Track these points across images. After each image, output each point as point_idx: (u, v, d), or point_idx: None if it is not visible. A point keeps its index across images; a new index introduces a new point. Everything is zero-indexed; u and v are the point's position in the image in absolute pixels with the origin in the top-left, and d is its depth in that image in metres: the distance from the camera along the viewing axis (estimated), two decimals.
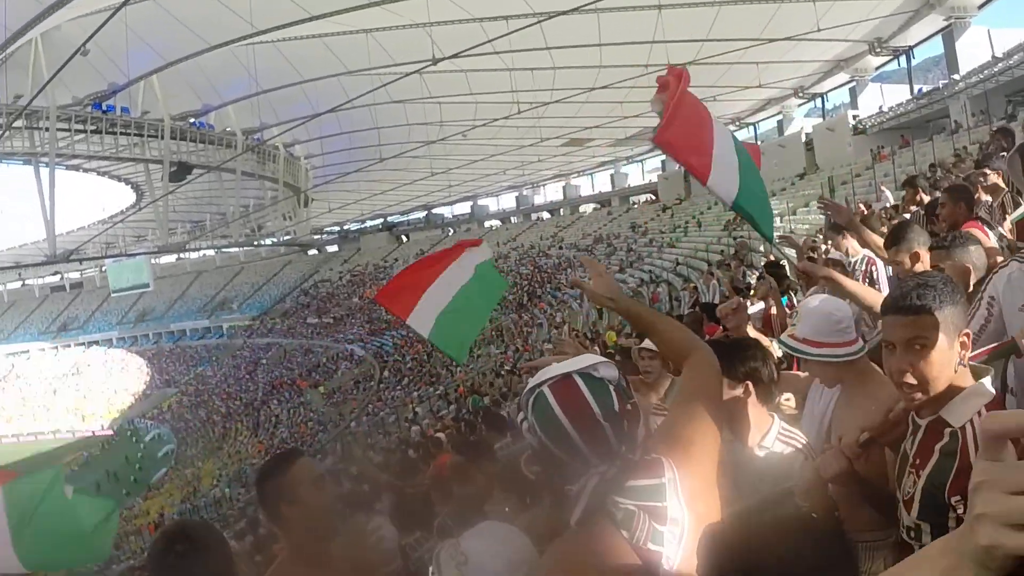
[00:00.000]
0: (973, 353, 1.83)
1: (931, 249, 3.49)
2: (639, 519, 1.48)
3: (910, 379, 1.73)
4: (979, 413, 1.69)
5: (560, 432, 1.50)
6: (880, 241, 4.68)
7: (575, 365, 1.58)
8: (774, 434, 2.52)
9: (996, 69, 24.07)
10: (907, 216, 6.60)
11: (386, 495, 8.01)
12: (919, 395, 1.75)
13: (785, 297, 5.79)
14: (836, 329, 2.53)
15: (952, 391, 1.74)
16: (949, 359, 1.72)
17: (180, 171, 30.88)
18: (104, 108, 29.12)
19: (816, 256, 6.83)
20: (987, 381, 1.77)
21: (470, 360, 33.04)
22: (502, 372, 26.49)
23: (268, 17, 22.66)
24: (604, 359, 1.63)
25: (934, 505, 1.72)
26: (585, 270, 2.16)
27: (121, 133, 30.08)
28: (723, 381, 2.12)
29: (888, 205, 12.84)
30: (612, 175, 54.41)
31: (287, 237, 47.06)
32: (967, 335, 1.74)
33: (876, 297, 3.11)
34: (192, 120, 32.99)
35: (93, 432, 52.86)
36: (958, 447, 1.69)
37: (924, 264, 3.42)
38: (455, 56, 23.22)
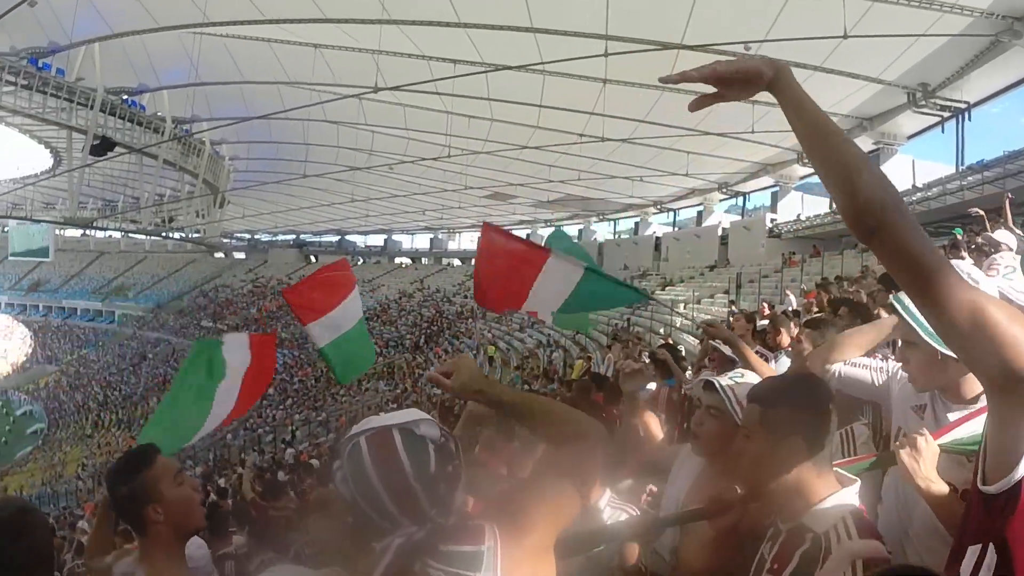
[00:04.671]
0: (844, 460, 1.85)
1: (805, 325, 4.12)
2: None
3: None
4: (844, 521, 1.69)
5: (367, 487, 1.45)
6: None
7: (397, 419, 1.53)
8: (605, 499, 2.59)
9: (915, 198, 24.44)
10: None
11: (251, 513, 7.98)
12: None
13: (671, 380, 5.84)
14: None
15: (813, 497, 1.76)
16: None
17: (103, 146, 29.73)
18: (40, 65, 28.09)
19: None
20: (853, 490, 1.80)
21: (357, 393, 32.72)
22: (387, 409, 26.11)
23: (221, 10, 22.28)
24: (428, 417, 1.58)
25: None
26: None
27: (52, 95, 28.80)
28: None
29: (791, 309, 13.33)
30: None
31: (196, 235, 45.48)
32: None
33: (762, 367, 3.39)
34: (125, 97, 32.01)
35: None
36: (820, 553, 1.66)
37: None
38: (397, 88, 23.31)
